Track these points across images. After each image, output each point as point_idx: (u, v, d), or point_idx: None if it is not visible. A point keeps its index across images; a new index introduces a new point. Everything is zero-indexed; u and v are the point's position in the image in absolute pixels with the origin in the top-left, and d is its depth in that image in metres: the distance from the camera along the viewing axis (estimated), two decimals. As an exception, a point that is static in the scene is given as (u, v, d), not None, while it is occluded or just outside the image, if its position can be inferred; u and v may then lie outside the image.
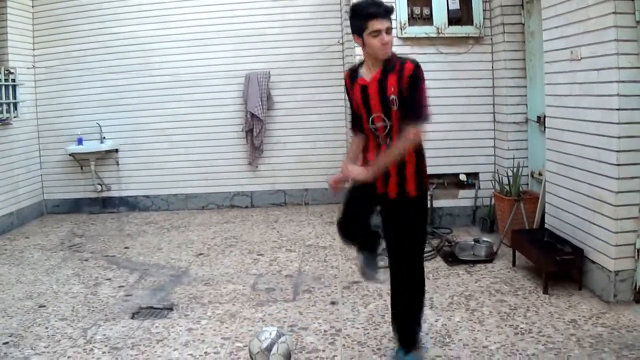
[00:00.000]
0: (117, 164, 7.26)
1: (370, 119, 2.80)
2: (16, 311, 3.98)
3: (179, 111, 7.12)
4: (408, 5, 5.53)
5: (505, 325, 3.44)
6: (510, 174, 5.11)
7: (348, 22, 2.89)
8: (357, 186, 2.86)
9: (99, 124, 7.10)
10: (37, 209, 7.16)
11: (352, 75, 2.89)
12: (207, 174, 7.22)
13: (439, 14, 5.53)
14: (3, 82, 6.28)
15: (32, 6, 7.04)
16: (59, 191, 7.31)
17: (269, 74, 6.96)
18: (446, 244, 5.12)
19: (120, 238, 5.98)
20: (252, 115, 6.90)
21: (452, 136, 5.65)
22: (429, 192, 5.57)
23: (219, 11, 7.01)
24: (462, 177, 5.78)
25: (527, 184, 5.38)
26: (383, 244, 2.97)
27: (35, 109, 7.16)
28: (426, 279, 3.08)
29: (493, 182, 5.40)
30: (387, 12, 2.68)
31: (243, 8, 7.01)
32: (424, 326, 3.31)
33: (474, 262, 4.64)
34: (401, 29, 5.53)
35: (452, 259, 4.75)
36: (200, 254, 5.27)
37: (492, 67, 5.63)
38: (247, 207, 7.26)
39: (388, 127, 2.76)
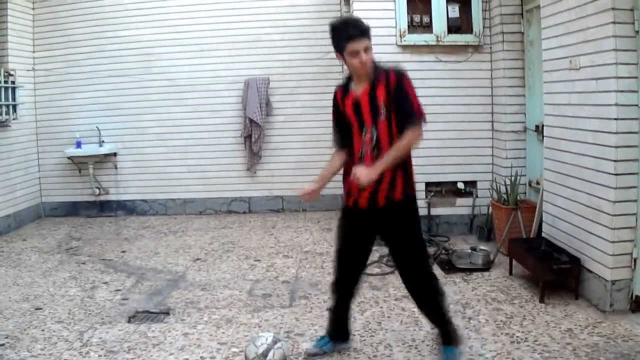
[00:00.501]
0: (116, 168, 7.26)
1: (363, 129, 2.89)
2: (13, 313, 3.97)
3: (178, 116, 7.13)
4: (408, 13, 5.55)
5: (502, 333, 3.44)
6: (508, 182, 5.11)
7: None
8: (344, 222, 3.11)
9: (97, 128, 7.10)
10: (35, 212, 7.15)
11: (344, 90, 3.03)
12: (205, 179, 7.22)
13: (439, 22, 5.55)
14: (2, 84, 6.27)
15: (33, 9, 7.06)
16: (57, 194, 7.31)
17: (268, 80, 6.97)
18: (443, 251, 5.11)
19: (118, 242, 5.97)
20: (251, 121, 6.91)
21: (451, 144, 5.66)
22: (425, 200, 5.66)
23: (219, 16, 7.02)
24: (460, 185, 5.79)
25: (525, 193, 5.40)
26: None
27: (35, 111, 7.16)
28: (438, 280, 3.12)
29: (491, 190, 5.40)
30: (363, 32, 2.78)
31: (243, 14, 7.01)
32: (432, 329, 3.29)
33: (470, 270, 4.65)
34: (400, 36, 5.55)
35: (449, 267, 4.75)
36: (198, 259, 5.27)
37: (491, 75, 5.65)
38: (244, 212, 7.25)
39: (375, 137, 2.85)
